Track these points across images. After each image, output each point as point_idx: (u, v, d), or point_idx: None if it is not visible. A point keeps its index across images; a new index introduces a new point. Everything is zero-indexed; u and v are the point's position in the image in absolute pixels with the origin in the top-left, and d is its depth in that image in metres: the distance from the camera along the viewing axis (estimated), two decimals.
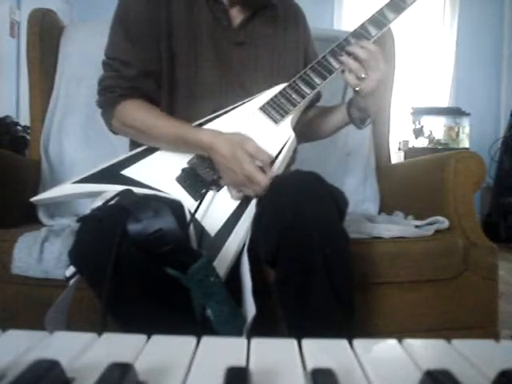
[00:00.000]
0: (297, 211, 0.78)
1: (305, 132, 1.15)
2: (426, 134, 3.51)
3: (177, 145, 0.98)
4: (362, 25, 1.02)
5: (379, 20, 1.02)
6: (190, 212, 0.91)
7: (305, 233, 0.78)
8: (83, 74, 1.49)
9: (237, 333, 0.76)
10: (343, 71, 0.99)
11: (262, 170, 0.89)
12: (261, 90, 1.03)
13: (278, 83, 1.03)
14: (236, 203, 0.93)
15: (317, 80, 1.01)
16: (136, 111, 1.01)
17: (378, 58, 0.95)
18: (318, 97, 1.23)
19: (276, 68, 1.10)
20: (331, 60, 1.01)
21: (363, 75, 0.95)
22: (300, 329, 0.80)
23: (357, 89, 0.97)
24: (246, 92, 1.04)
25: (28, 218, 1.27)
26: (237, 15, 1.08)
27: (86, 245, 0.77)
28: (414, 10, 1.03)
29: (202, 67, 1.04)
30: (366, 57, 0.94)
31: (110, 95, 1.03)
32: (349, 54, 0.97)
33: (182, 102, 1.03)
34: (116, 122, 1.03)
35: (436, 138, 3.51)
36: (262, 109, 1.00)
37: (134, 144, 1.09)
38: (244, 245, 0.89)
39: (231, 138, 0.92)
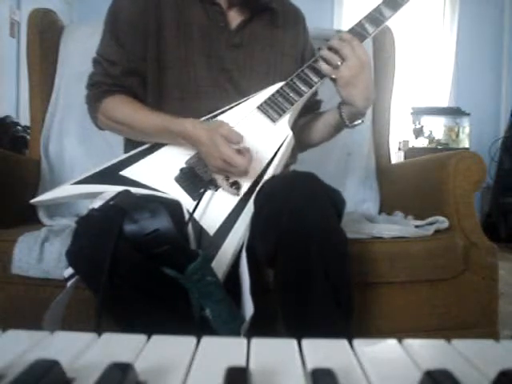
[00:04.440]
0: (294, 212, 0.78)
1: (299, 139, 1.15)
2: (426, 133, 3.51)
3: (160, 136, 0.99)
4: (359, 22, 1.02)
5: (376, 17, 1.02)
6: (188, 212, 0.91)
7: (303, 233, 0.78)
8: (83, 73, 1.48)
9: (235, 332, 0.76)
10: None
11: (240, 152, 0.89)
12: (257, 92, 1.02)
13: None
14: (234, 202, 0.93)
15: (314, 78, 1.00)
16: (120, 105, 1.03)
17: (353, 46, 0.94)
18: (317, 102, 1.22)
19: (273, 70, 1.09)
20: None
21: (338, 63, 0.95)
22: (299, 329, 0.80)
23: (333, 76, 0.96)
24: (241, 94, 1.03)
25: (28, 218, 1.27)
26: (235, 17, 1.08)
27: (83, 245, 0.76)
28: (414, 10, 1.02)
29: (195, 68, 1.04)
30: (338, 45, 0.94)
31: (96, 91, 1.05)
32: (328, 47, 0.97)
33: (174, 104, 1.03)
34: (101, 117, 1.05)
35: (436, 137, 3.51)
36: (260, 108, 1.00)
37: (129, 144, 1.09)
38: (243, 244, 0.89)
39: (208, 125, 0.92)
